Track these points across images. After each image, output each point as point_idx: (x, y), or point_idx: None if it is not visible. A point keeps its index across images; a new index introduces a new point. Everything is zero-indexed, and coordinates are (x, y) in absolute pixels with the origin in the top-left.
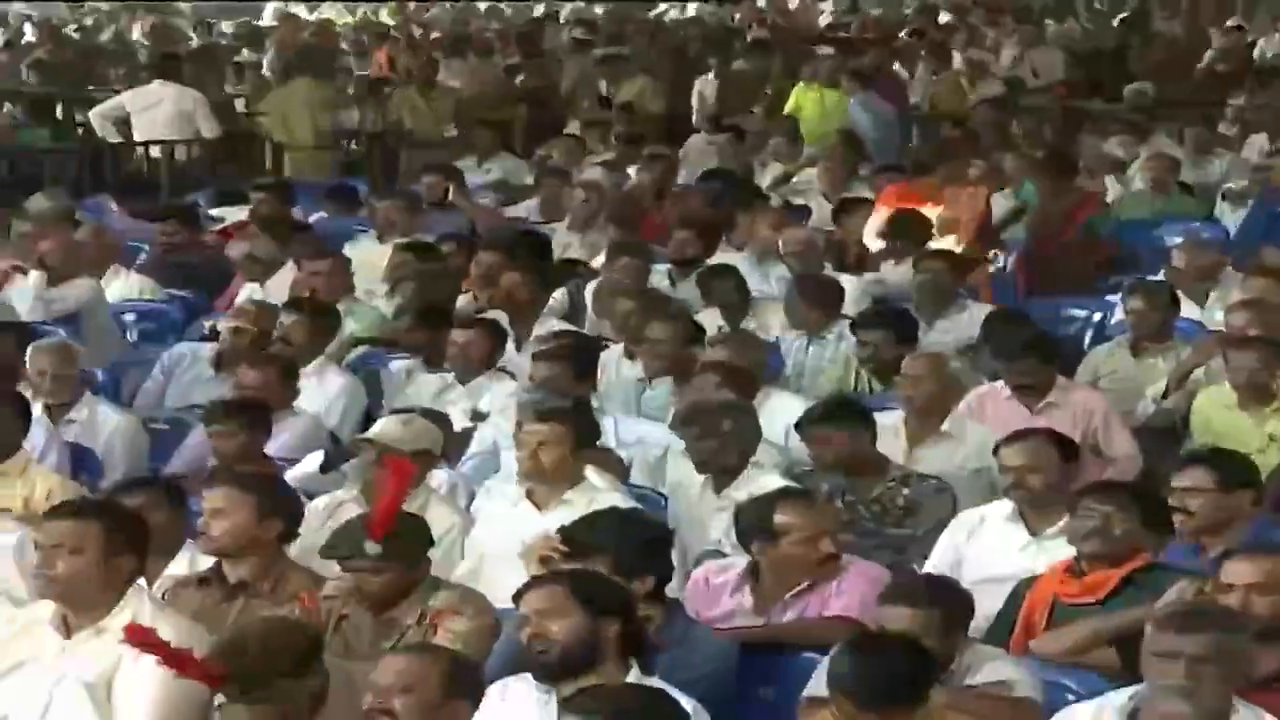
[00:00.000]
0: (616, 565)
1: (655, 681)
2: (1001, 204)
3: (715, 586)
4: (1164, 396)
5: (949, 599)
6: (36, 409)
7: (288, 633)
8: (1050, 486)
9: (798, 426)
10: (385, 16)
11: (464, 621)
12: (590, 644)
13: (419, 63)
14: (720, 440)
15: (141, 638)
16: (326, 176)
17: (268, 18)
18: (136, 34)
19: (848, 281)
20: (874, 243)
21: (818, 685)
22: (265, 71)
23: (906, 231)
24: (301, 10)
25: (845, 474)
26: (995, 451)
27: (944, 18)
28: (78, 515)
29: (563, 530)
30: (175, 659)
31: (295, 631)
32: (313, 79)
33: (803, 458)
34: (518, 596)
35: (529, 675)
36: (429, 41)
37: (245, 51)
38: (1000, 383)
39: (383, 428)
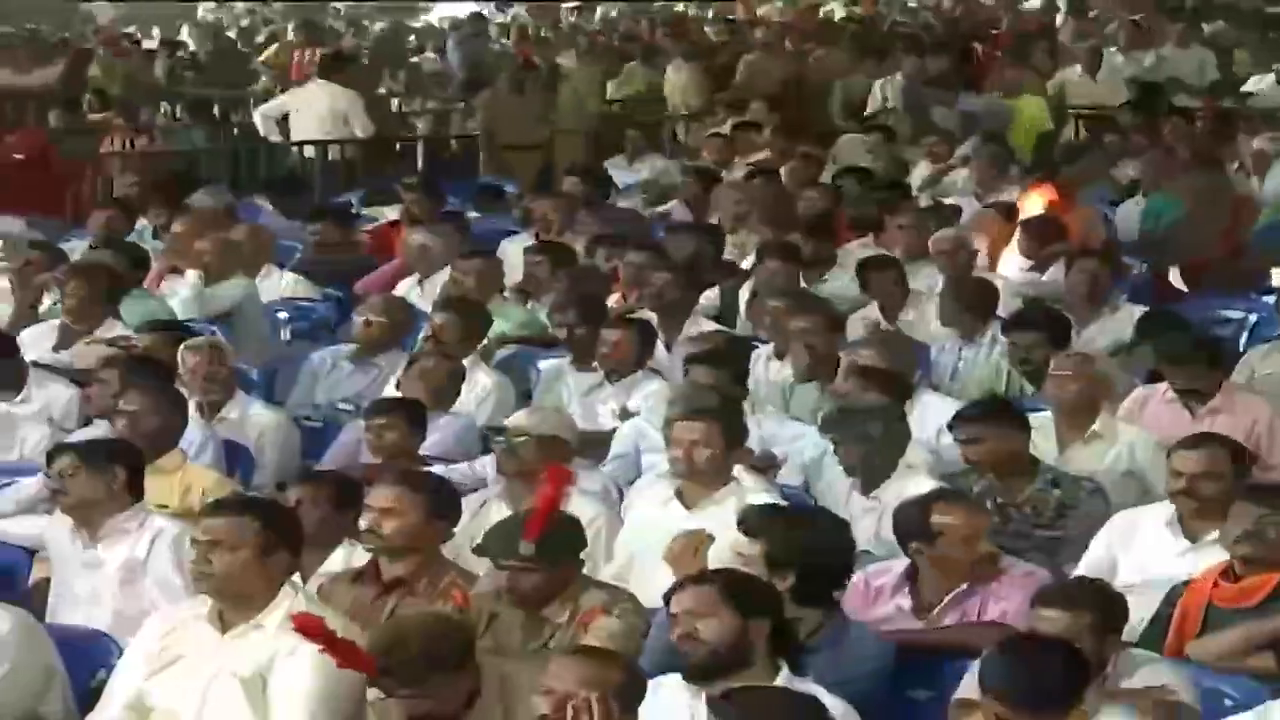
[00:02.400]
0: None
1: (806, 682)
2: (1133, 211)
3: (875, 589)
4: None
5: (1103, 602)
6: (190, 407)
7: (446, 629)
8: (1222, 494)
9: (950, 426)
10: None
11: (613, 622)
12: (740, 644)
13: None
14: (868, 442)
15: (309, 626)
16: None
17: (435, 18)
18: (291, 35)
19: (1000, 282)
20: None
21: (969, 688)
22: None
23: (1040, 234)
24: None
25: (997, 475)
26: (1168, 455)
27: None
28: (234, 512)
29: (744, 513)
30: (339, 649)
31: (453, 628)
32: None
33: (954, 459)
34: (668, 596)
35: (678, 675)
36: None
37: (430, 53)
38: (1162, 385)
39: (513, 419)
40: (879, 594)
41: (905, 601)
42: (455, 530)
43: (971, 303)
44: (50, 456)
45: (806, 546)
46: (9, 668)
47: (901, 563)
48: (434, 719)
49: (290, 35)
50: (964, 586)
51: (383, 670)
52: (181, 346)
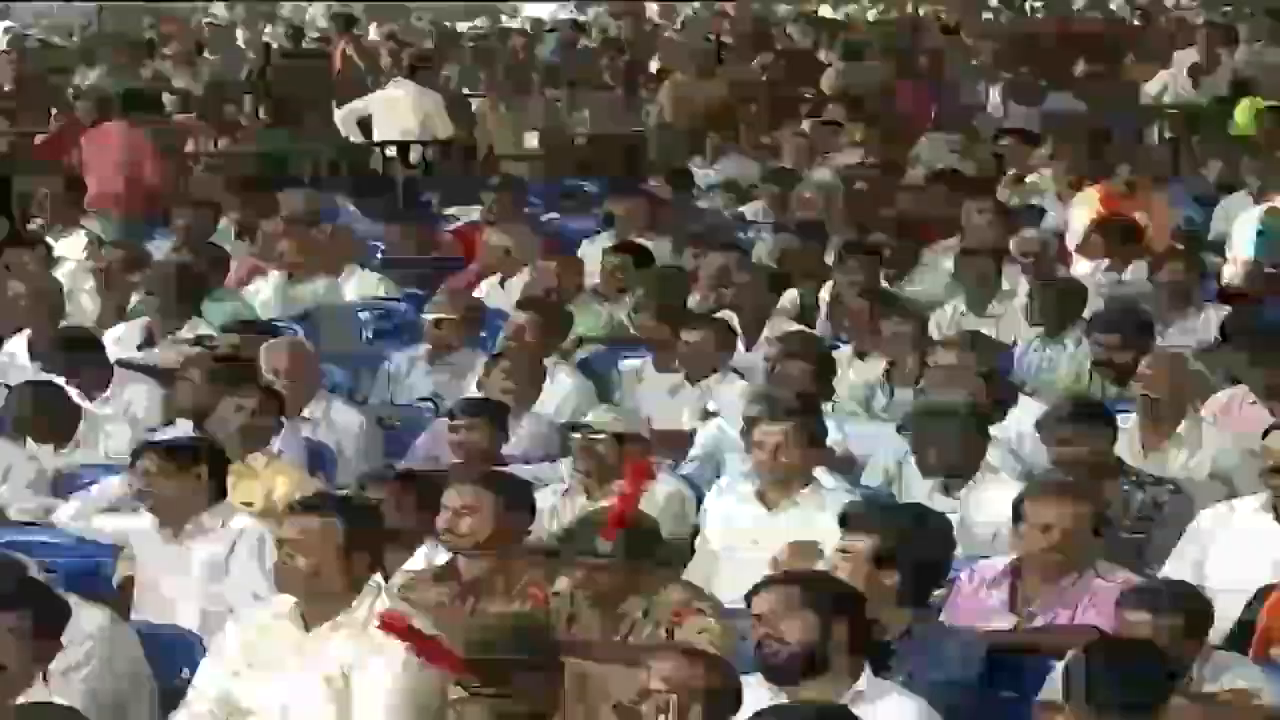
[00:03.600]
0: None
1: (887, 683)
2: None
3: (977, 582)
4: None
5: (1188, 605)
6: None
7: (530, 629)
8: None
9: (1039, 426)
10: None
11: (709, 621)
12: (821, 645)
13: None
14: (949, 443)
15: (395, 624)
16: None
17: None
18: (374, 35)
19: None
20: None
21: (1053, 690)
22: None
23: (1114, 235)
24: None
25: (1086, 476)
26: (1264, 435)
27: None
28: (317, 511)
29: (848, 508)
30: (425, 647)
31: (537, 628)
32: None
33: (1036, 460)
34: (749, 596)
35: (758, 675)
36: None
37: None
38: (1244, 387)
39: (590, 416)
40: (981, 588)
41: (1003, 595)
42: (531, 529)
43: (1060, 302)
44: (135, 456)
45: (916, 542)
46: (95, 665)
47: (1005, 559)
48: (516, 718)
49: (373, 36)
50: (1061, 585)
51: (467, 669)
52: (264, 346)
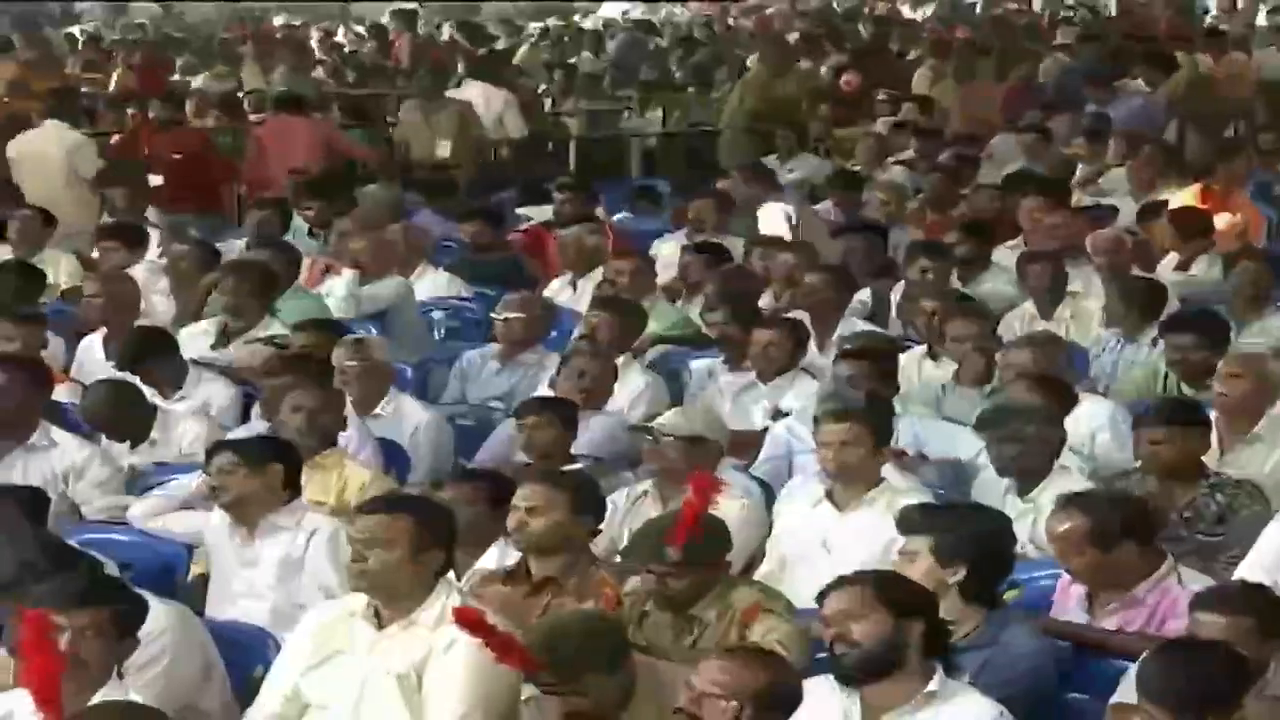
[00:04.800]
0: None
1: (959, 683)
2: None
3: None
4: None
5: (1263, 606)
6: (346, 404)
7: (603, 628)
8: None
9: (1134, 424)
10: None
11: (781, 623)
12: (893, 646)
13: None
14: (1023, 444)
15: (469, 619)
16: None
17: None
18: (446, 34)
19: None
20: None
21: (1126, 692)
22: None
23: (1187, 227)
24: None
25: (1164, 479)
26: None
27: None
28: (389, 510)
29: (902, 513)
30: (499, 643)
31: (610, 627)
32: None
33: (1109, 461)
34: (821, 597)
35: (830, 676)
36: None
37: (586, 53)
38: None
39: (662, 418)
40: (1064, 589)
41: (1079, 591)
42: (601, 527)
43: (1139, 302)
44: (209, 454)
45: (977, 536)
46: (169, 662)
47: None
48: (589, 718)
49: (445, 35)
50: (1136, 591)
51: (541, 666)
52: (337, 345)
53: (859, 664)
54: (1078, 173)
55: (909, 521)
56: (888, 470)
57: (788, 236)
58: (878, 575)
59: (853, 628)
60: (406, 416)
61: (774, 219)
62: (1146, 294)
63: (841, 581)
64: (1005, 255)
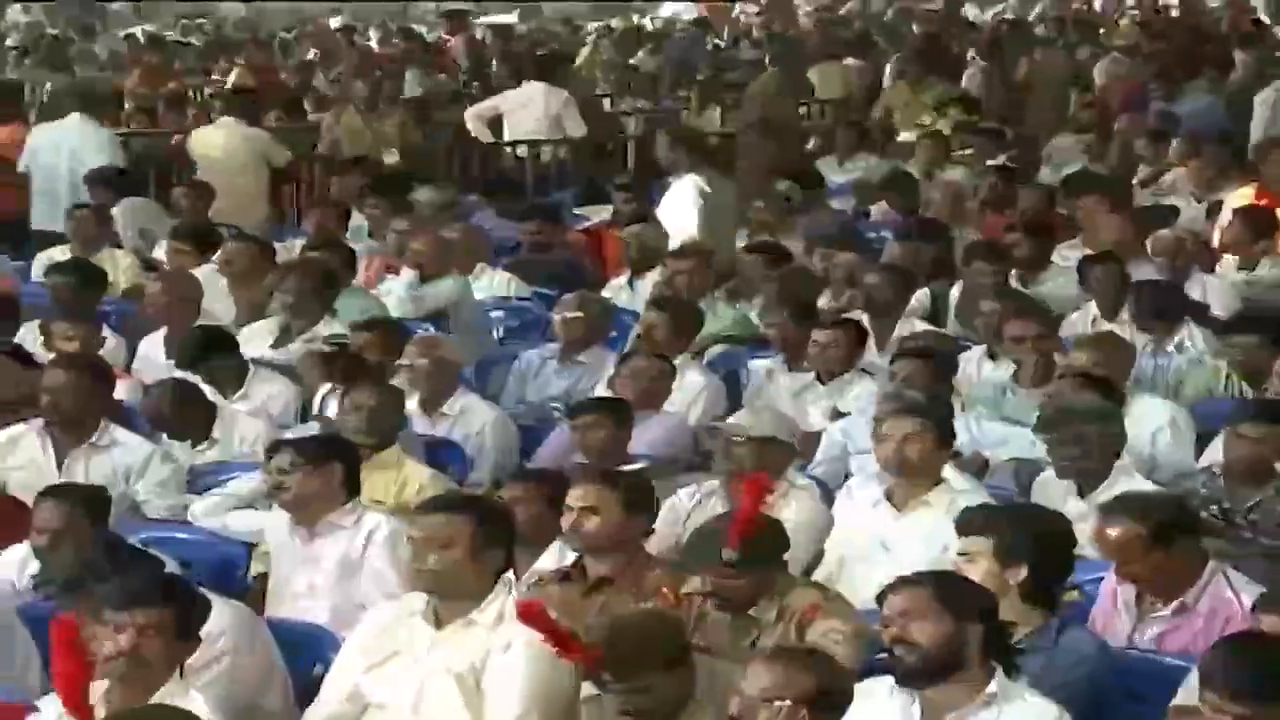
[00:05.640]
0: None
1: (1019, 685)
2: None
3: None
4: None
5: None
6: (411, 403)
7: (663, 626)
8: None
9: (1225, 422)
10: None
11: (840, 623)
12: (953, 647)
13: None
14: (1083, 445)
15: (533, 614)
16: None
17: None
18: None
19: (1216, 282)
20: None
21: (1186, 694)
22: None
23: (1253, 224)
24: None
25: (1247, 479)
26: None
27: None
28: (449, 510)
29: (962, 515)
30: (561, 639)
31: (670, 626)
32: None
33: (1170, 462)
34: (880, 598)
35: (888, 678)
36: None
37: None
38: None
39: (732, 419)
40: (1109, 592)
41: (1129, 593)
42: (655, 526)
43: (1157, 307)
44: (269, 453)
45: (1038, 538)
46: (229, 661)
47: None
48: (648, 716)
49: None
50: (1181, 601)
51: (601, 664)
52: (409, 342)
53: (919, 665)
54: (1139, 173)
55: (970, 523)
56: (947, 470)
57: (694, 212)
58: (938, 576)
59: (913, 628)
60: (474, 415)
61: (683, 193)
62: (1162, 295)
63: (902, 582)
64: (1066, 255)
